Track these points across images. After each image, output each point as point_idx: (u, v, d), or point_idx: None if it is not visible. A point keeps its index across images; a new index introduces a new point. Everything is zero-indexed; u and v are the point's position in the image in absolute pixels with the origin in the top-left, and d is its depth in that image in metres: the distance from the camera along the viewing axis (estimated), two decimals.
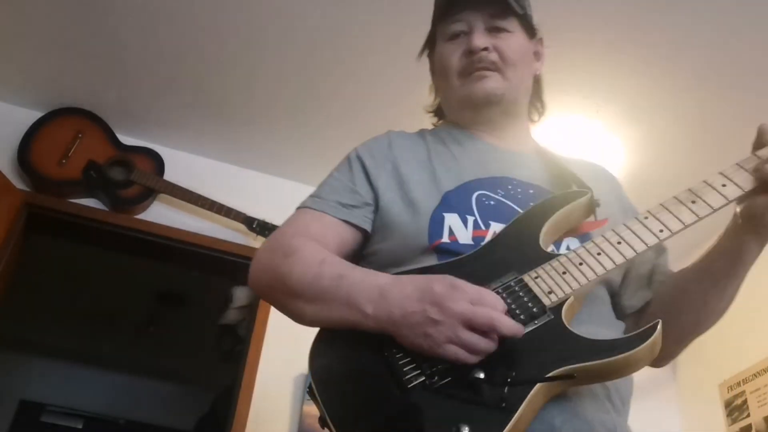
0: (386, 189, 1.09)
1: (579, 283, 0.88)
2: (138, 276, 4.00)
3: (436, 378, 0.80)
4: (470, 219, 1.02)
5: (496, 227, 1.01)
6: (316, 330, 0.95)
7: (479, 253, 0.95)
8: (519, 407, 0.76)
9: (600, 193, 1.06)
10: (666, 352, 1.11)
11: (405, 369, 0.82)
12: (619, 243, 0.90)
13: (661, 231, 0.90)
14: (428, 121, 1.36)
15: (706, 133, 2.55)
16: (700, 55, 2.35)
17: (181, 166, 2.96)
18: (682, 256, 1.22)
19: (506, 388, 0.77)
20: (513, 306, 0.85)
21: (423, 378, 0.80)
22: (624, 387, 0.96)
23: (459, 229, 1.01)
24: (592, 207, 1.04)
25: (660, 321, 0.82)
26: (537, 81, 1.28)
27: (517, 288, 0.88)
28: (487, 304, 0.82)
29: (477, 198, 1.05)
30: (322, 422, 0.83)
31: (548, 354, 0.81)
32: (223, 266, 2.89)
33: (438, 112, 1.32)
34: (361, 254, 1.09)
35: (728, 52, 2.32)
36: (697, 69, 2.40)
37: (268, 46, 2.52)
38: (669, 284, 1.11)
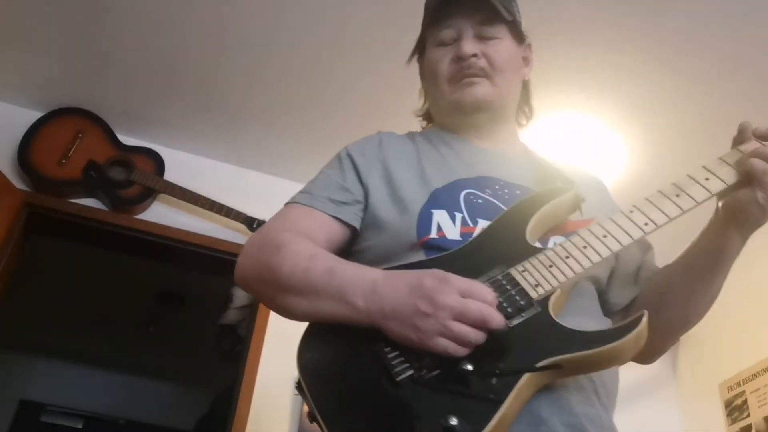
0: (376, 187, 1.10)
1: (566, 276, 0.89)
2: (138, 276, 4.00)
3: (424, 371, 0.81)
4: (458, 216, 1.03)
5: (483, 224, 1.02)
6: None
7: (466, 249, 0.97)
8: (507, 398, 0.77)
9: (587, 193, 1.07)
10: (655, 347, 1.12)
11: (394, 363, 0.82)
12: (605, 236, 0.91)
13: (646, 224, 0.91)
14: None
15: (708, 132, 2.54)
16: (703, 54, 2.35)
17: (181, 166, 2.96)
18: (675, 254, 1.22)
19: (494, 380, 0.78)
20: (500, 299, 0.86)
21: (412, 371, 0.81)
22: (610, 381, 0.97)
23: (447, 226, 1.02)
24: (577, 202, 1.05)
25: (646, 312, 0.83)
26: (525, 86, 1.30)
27: (504, 282, 0.89)
28: (477, 297, 0.83)
29: (465, 196, 1.07)
30: (311, 417, 0.83)
31: (536, 345, 0.82)
32: (223, 266, 2.89)
33: (427, 116, 1.34)
34: (349, 251, 1.10)
35: (731, 51, 2.32)
36: (700, 67, 2.40)
37: (269, 46, 2.52)
38: (655, 280, 1.12)
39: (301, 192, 1.13)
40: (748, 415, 2.71)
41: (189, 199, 2.83)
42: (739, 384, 2.80)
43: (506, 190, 1.09)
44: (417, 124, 1.36)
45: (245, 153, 3.03)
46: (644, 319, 0.82)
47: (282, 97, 2.73)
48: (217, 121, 2.89)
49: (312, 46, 2.50)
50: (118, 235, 2.82)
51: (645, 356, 1.14)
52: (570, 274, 0.89)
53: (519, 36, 1.25)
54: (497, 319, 0.81)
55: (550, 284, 0.88)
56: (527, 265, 0.91)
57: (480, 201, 1.06)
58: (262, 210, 2.81)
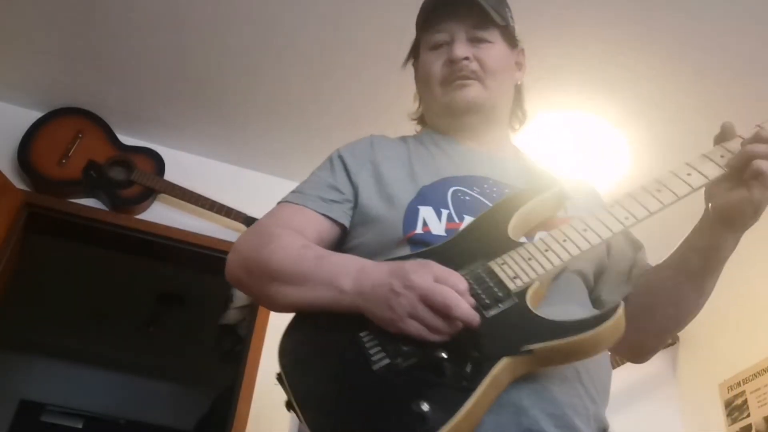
0: (365, 185, 1.13)
1: (544, 269, 0.90)
2: (138, 276, 4.00)
3: (399, 359, 0.81)
4: (444, 212, 1.05)
5: (469, 221, 1.03)
6: None
7: (449, 244, 0.98)
8: (479, 385, 0.77)
9: (575, 193, 1.09)
10: (648, 346, 1.14)
11: (372, 351, 0.83)
12: (585, 230, 0.93)
13: (627, 218, 0.92)
14: None
15: (711, 131, 2.53)
16: (706, 53, 2.35)
17: (182, 166, 2.96)
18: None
19: (468, 368, 0.78)
20: (479, 291, 0.87)
21: (388, 360, 0.82)
22: (597, 374, 0.96)
23: (433, 222, 1.03)
24: (561, 200, 1.06)
25: (622, 301, 0.84)
26: (518, 90, 1.32)
27: (483, 274, 0.90)
28: (449, 284, 0.83)
29: (453, 193, 1.08)
30: (288, 405, 0.84)
31: (512, 335, 0.82)
32: (223, 266, 2.87)
33: (421, 119, 1.35)
34: (340, 249, 1.12)
35: (734, 49, 2.32)
36: (703, 66, 2.40)
37: (269, 46, 2.52)
38: (647, 279, 1.13)
39: (292, 192, 1.16)
40: (748, 415, 2.71)
41: (189, 199, 2.83)
42: (739, 384, 2.80)
43: (495, 189, 1.10)
44: (414, 124, 1.36)
45: (245, 153, 3.03)
46: (620, 308, 0.82)
47: (282, 97, 2.73)
48: (217, 121, 2.89)
49: (312, 46, 2.50)
50: (118, 235, 2.82)
51: (638, 354, 1.16)
52: (548, 266, 0.90)
53: (512, 41, 1.27)
54: (462, 311, 0.81)
55: (528, 276, 0.89)
56: (507, 258, 0.92)
57: (467, 198, 1.08)
58: (262, 210, 2.77)
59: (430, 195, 1.07)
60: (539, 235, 1.03)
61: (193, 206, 2.85)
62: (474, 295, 0.85)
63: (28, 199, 2.70)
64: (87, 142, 2.84)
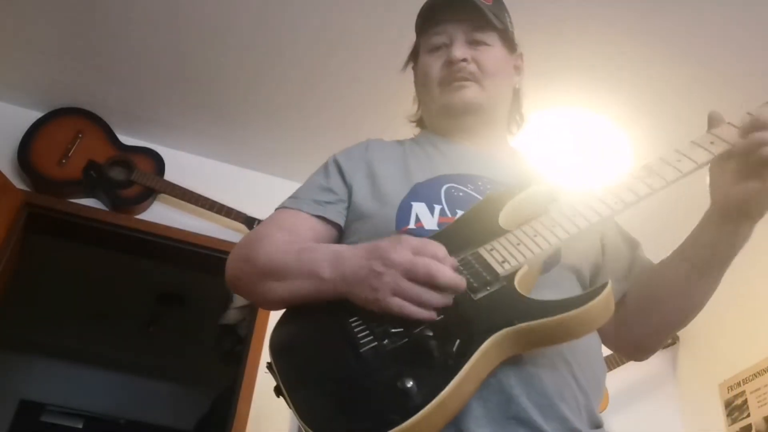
0: (360, 184, 1.14)
1: (532, 252, 0.90)
2: (138, 276, 4.00)
3: (386, 341, 0.82)
4: (437, 207, 1.06)
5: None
6: None
7: (440, 235, 0.98)
8: (465, 364, 0.77)
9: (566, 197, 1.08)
10: (650, 343, 1.13)
11: (360, 335, 0.84)
12: (573, 216, 0.93)
13: (616, 203, 0.93)
14: None
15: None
16: (708, 50, 2.34)
17: (182, 166, 2.96)
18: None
19: (455, 347, 0.79)
20: (467, 275, 0.87)
21: (375, 342, 0.82)
22: (589, 366, 0.96)
23: (425, 217, 1.04)
24: (552, 194, 1.06)
25: (609, 280, 0.84)
26: (516, 94, 1.32)
27: (472, 260, 0.91)
28: (428, 254, 0.84)
29: (446, 190, 1.09)
30: (277, 391, 0.85)
31: (499, 315, 0.83)
32: (223, 266, 2.88)
33: (420, 122, 1.36)
34: None
35: (737, 47, 2.32)
36: (705, 63, 2.39)
37: (269, 46, 2.52)
38: (650, 276, 1.12)
39: (288, 197, 1.18)
40: (748, 415, 2.71)
41: (189, 199, 2.83)
42: (739, 384, 2.80)
43: (489, 186, 1.11)
44: (413, 127, 1.37)
45: (245, 153, 3.03)
46: (608, 287, 0.83)
47: (282, 97, 2.73)
48: (217, 121, 2.89)
49: (312, 46, 2.50)
50: (118, 235, 2.82)
51: (640, 352, 1.16)
52: (537, 250, 0.91)
53: (510, 45, 1.28)
54: (445, 276, 0.82)
55: (517, 260, 0.90)
56: (495, 244, 0.93)
57: (461, 194, 1.09)
58: (262, 210, 2.79)
59: (424, 191, 1.09)
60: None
61: (193, 206, 2.85)
62: None
63: (28, 199, 2.70)
64: (87, 142, 2.84)
